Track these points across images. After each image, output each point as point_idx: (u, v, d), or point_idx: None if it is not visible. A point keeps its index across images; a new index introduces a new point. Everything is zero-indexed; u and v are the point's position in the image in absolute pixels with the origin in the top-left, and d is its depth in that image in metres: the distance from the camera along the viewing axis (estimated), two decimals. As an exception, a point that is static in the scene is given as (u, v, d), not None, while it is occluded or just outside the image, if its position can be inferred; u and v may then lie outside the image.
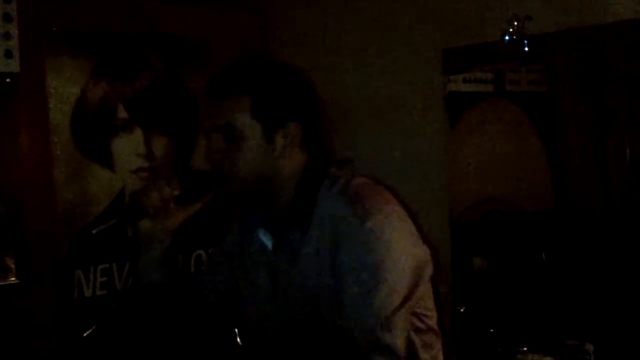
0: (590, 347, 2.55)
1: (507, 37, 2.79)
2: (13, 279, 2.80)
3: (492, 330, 2.91)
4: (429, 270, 1.82)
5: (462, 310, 2.98)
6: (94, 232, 1.83)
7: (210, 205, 1.88)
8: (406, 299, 1.72)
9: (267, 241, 1.87)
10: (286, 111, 1.80)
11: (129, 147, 3.08)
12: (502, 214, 3.22)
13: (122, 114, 3.08)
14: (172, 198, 1.81)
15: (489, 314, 2.97)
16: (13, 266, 2.82)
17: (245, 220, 1.93)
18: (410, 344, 1.77)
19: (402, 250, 1.73)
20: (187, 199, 1.84)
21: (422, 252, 1.81)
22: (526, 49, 2.79)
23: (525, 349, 2.61)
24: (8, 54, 2.80)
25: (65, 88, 2.94)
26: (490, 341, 2.88)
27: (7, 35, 2.79)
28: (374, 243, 1.69)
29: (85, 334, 2.93)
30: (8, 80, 2.80)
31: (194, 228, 1.95)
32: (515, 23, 2.76)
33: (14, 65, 2.80)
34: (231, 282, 2.00)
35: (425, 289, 1.83)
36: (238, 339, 3.00)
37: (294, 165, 1.81)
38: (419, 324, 1.83)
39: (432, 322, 1.88)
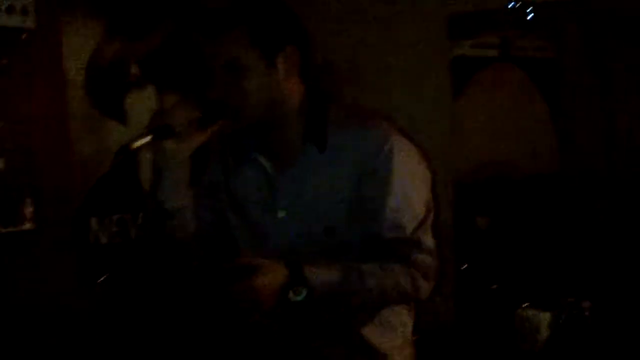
0: (587, 303, 2.63)
1: (511, 4, 2.83)
2: (28, 225, 2.87)
3: (493, 287, 2.98)
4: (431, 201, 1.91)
5: (464, 267, 3.05)
6: (132, 147, 1.79)
7: (222, 128, 1.90)
8: (429, 210, 1.85)
9: (266, 164, 1.91)
10: (283, 35, 1.84)
11: (141, 103, 3.15)
12: (506, 176, 3.27)
13: (135, 71, 3.13)
14: (196, 119, 1.84)
15: (491, 272, 3.03)
16: (30, 214, 2.88)
17: (240, 146, 1.96)
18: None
19: (420, 168, 1.86)
20: (205, 121, 1.86)
21: (429, 173, 1.92)
22: (530, 16, 2.83)
23: (525, 305, 2.69)
24: (24, 11, 2.84)
25: (79, 45, 3.00)
26: (492, 297, 2.95)
27: (24, -8, 2.85)
28: (396, 162, 1.79)
29: (99, 281, 3.02)
30: (24, 36, 2.85)
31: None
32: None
33: (30, 22, 2.85)
34: (218, 214, 2.02)
35: None
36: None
37: (297, 91, 1.87)
38: None
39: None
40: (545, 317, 2.64)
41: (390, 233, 1.79)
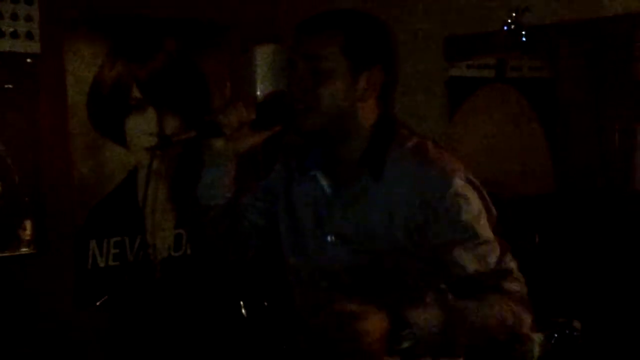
0: (578, 324, 2.64)
1: (506, 27, 2.88)
2: (26, 249, 2.93)
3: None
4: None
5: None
6: (174, 139, 1.80)
7: (276, 135, 1.87)
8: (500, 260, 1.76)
9: (324, 183, 1.86)
10: (375, 53, 1.79)
11: (142, 126, 3.19)
12: (500, 197, 3.29)
13: (136, 94, 3.18)
14: (249, 122, 1.80)
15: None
16: (27, 238, 2.95)
17: (303, 160, 1.90)
18: None
19: (481, 201, 1.77)
20: (259, 125, 1.83)
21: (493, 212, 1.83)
22: (524, 39, 2.88)
23: None
24: (29, 36, 2.93)
25: (82, 69, 3.07)
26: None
27: (28, 18, 2.92)
28: (463, 204, 1.72)
29: (98, 303, 3.06)
30: (29, 60, 2.93)
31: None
32: (514, 14, 2.85)
33: (34, 47, 2.94)
34: (270, 219, 1.99)
35: None
36: (243, 311, 3.11)
37: (369, 114, 1.82)
38: None
39: None
40: (536, 337, 2.65)
41: (472, 268, 1.72)
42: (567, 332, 2.63)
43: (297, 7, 3.51)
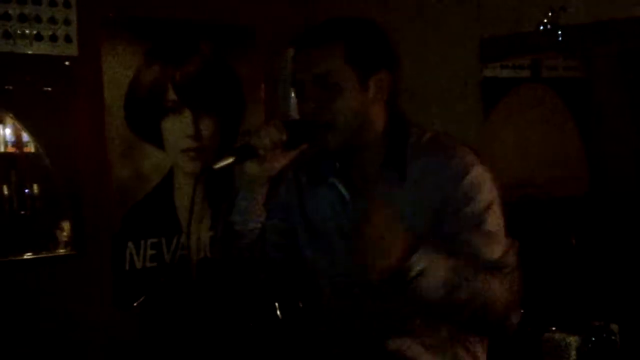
0: (615, 327, 2.62)
1: (542, 27, 2.86)
2: (63, 250, 2.97)
3: (521, 310, 2.99)
4: None
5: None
6: (215, 167, 1.76)
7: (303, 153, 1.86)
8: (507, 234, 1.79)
9: (343, 189, 1.87)
10: (378, 58, 1.81)
11: (178, 128, 3.22)
12: (534, 199, 3.28)
13: (172, 96, 3.21)
14: (281, 142, 1.78)
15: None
16: (65, 239, 2.98)
17: (317, 171, 1.92)
18: None
19: (497, 195, 1.78)
20: (290, 144, 1.81)
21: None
22: (560, 39, 2.86)
23: (553, 328, 2.68)
24: (67, 39, 2.96)
25: (119, 71, 3.10)
26: (520, 320, 2.96)
27: (66, 21, 2.96)
28: (479, 193, 1.73)
29: (135, 304, 3.10)
30: (67, 63, 2.97)
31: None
32: (550, 14, 2.83)
33: (73, 49, 2.97)
34: (283, 236, 1.98)
35: None
36: (278, 312, 3.12)
37: (381, 117, 1.83)
38: None
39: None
40: (573, 340, 2.63)
41: (481, 254, 1.73)
42: (605, 335, 2.61)
43: (332, 9, 3.52)
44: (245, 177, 1.85)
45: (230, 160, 1.78)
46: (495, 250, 1.74)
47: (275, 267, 2.03)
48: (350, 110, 1.77)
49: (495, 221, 1.76)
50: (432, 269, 1.62)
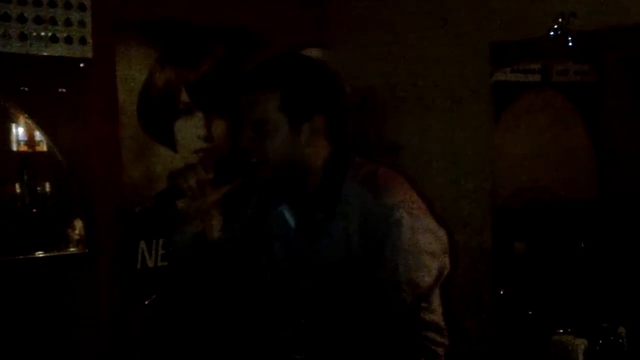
0: (623, 330, 2.65)
1: (552, 33, 2.88)
2: (74, 249, 3.00)
3: (530, 312, 3.00)
4: (447, 261, 1.94)
5: (501, 292, 3.08)
6: (136, 210, 1.99)
7: (238, 187, 2.04)
8: (437, 279, 1.91)
9: (290, 218, 2.03)
10: (312, 106, 1.92)
11: (190, 130, 3.22)
12: (544, 202, 3.29)
13: (185, 98, 3.23)
14: (207, 181, 1.98)
15: (528, 297, 3.06)
16: (77, 237, 3.02)
17: (270, 199, 2.08)
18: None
19: (427, 236, 1.89)
20: (219, 181, 2.00)
21: (444, 235, 1.95)
22: (570, 44, 2.88)
23: (561, 330, 2.71)
24: (82, 41, 3.00)
25: (133, 73, 3.14)
26: (528, 322, 2.97)
27: (81, 23, 2.99)
28: (401, 231, 1.84)
29: (146, 302, 3.12)
30: (82, 65, 3.00)
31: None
32: (560, 20, 2.85)
33: (87, 51, 3.01)
34: (251, 252, 2.16)
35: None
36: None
37: (320, 154, 1.95)
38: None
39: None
40: (580, 343, 2.65)
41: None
42: (612, 338, 2.64)
43: (342, 12, 3.55)
44: (178, 213, 2.11)
45: (149, 203, 1.98)
46: (428, 274, 1.89)
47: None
48: (279, 151, 1.91)
49: (424, 253, 1.88)
50: None
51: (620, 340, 2.65)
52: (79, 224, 3.02)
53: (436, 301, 1.99)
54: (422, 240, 1.86)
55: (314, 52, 3.27)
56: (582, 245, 3.14)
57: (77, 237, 3.01)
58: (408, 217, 1.85)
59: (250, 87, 1.93)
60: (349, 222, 1.90)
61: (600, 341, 2.64)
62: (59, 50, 2.95)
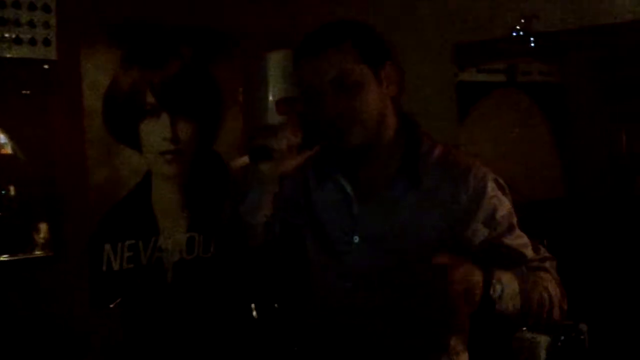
0: (584, 326, 2.68)
1: (515, 34, 2.91)
2: (40, 252, 2.98)
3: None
4: None
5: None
6: (233, 166, 1.94)
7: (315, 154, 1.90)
8: None
9: (347, 186, 1.89)
10: (382, 52, 1.83)
11: (156, 131, 3.24)
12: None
13: (150, 99, 3.23)
14: (296, 145, 1.82)
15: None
16: (42, 241, 2.99)
17: (322, 167, 1.95)
18: None
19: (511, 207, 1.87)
20: (305, 145, 1.85)
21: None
22: (532, 45, 2.91)
23: (523, 328, 2.71)
24: (47, 42, 2.98)
25: (98, 75, 3.11)
26: (490, 321, 3.00)
27: (46, 25, 2.97)
28: (500, 200, 1.83)
29: (111, 305, 3.12)
30: (46, 66, 2.99)
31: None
32: (523, 21, 2.88)
33: (52, 53, 2.99)
34: (287, 229, 2.04)
35: None
36: (254, 313, 3.15)
37: (393, 115, 1.87)
38: None
39: None
40: (543, 340, 2.67)
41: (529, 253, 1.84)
42: (574, 335, 2.66)
43: (312, 15, 3.55)
44: (258, 175, 1.89)
45: (245, 160, 1.86)
46: (530, 248, 1.86)
47: (278, 260, 2.13)
48: (372, 105, 1.80)
49: (517, 224, 1.87)
50: (508, 283, 1.71)
51: (582, 337, 2.67)
52: (44, 227, 3.00)
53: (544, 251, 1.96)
54: (511, 208, 1.85)
55: (281, 53, 3.27)
56: (545, 243, 3.16)
57: (42, 240, 2.99)
58: (498, 181, 1.85)
59: (316, 47, 1.80)
60: (431, 193, 1.82)
61: (562, 337, 2.66)
62: (22, 52, 2.93)
